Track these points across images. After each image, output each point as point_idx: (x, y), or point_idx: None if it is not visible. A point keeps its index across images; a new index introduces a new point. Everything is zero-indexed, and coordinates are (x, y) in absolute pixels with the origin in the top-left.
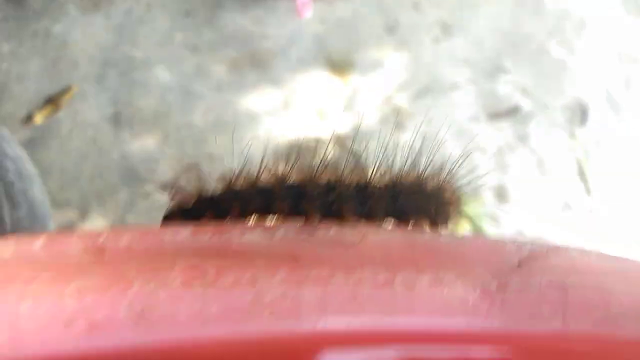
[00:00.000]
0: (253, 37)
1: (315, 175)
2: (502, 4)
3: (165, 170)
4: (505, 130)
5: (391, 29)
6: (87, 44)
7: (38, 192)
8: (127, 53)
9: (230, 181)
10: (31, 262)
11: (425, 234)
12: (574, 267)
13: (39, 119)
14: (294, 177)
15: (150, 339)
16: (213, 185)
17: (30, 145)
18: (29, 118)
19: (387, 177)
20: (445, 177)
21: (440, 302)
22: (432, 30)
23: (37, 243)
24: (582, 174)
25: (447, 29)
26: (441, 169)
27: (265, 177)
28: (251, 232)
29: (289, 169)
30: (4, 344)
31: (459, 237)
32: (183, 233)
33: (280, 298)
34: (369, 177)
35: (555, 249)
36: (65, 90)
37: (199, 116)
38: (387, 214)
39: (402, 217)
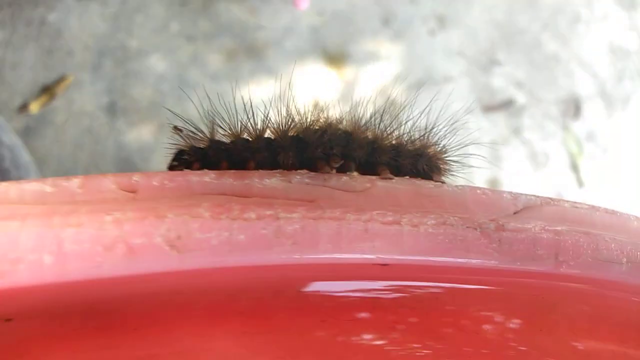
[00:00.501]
0: (249, 28)
1: (318, 129)
2: None
3: (160, 160)
4: (499, 122)
5: (387, 21)
6: (83, 33)
7: None
8: (122, 42)
9: (239, 132)
10: (70, 198)
11: (428, 183)
12: (565, 216)
13: (34, 107)
14: (296, 131)
15: (184, 263)
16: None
17: (26, 134)
18: (24, 107)
19: (380, 135)
20: (432, 138)
21: (443, 239)
22: (428, 22)
23: (74, 182)
24: (574, 166)
25: (442, 21)
26: (428, 131)
27: (270, 130)
28: (270, 177)
29: (291, 123)
30: (49, 267)
31: (460, 187)
32: (208, 175)
33: (300, 230)
34: (366, 134)
35: (548, 200)
36: (60, 79)
37: (194, 106)
38: (384, 167)
39: (396, 171)
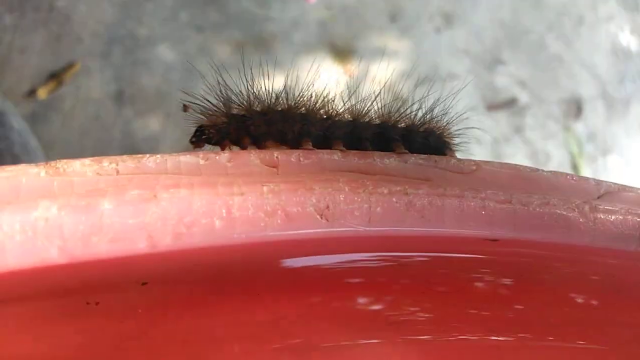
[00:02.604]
0: (258, 20)
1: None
2: None
3: (167, 150)
4: (501, 121)
5: (394, 17)
6: (92, 20)
7: None
8: (131, 30)
9: (267, 104)
10: (223, 171)
11: (525, 167)
12: None
13: (42, 93)
14: (323, 110)
15: (332, 229)
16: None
17: (33, 119)
18: (32, 92)
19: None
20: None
21: (548, 218)
22: (434, 19)
23: (224, 156)
24: (575, 167)
25: (448, 19)
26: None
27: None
28: (388, 157)
29: (315, 102)
30: (218, 230)
31: (552, 172)
32: (336, 154)
33: (428, 205)
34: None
35: (625, 187)
36: (69, 66)
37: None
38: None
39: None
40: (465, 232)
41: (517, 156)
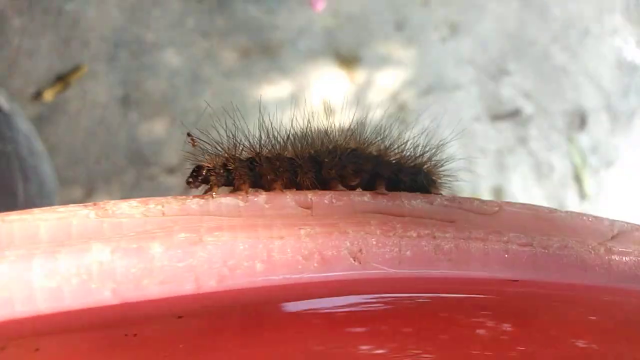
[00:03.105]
0: (264, 27)
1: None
2: (508, 5)
3: (171, 154)
4: (505, 132)
5: (400, 25)
6: (99, 24)
7: (47, 168)
8: (138, 35)
9: (259, 148)
10: (260, 212)
11: (544, 208)
12: None
13: (48, 96)
14: (313, 150)
15: (364, 272)
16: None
17: (39, 121)
18: (38, 95)
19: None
20: (426, 156)
21: (567, 261)
22: (440, 28)
23: (261, 198)
24: (578, 178)
25: (454, 28)
26: (423, 151)
27: (288, 149)
28: (415, 199)
29: (306, 144)
30: (259, 273)
31: (568, 213)
32: (366, 196)
33: (455, 249)
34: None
35: (637, 226)
36: (75, 69)
37: (207, 101)
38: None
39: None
40: (488, 275)
41: (521, 167)
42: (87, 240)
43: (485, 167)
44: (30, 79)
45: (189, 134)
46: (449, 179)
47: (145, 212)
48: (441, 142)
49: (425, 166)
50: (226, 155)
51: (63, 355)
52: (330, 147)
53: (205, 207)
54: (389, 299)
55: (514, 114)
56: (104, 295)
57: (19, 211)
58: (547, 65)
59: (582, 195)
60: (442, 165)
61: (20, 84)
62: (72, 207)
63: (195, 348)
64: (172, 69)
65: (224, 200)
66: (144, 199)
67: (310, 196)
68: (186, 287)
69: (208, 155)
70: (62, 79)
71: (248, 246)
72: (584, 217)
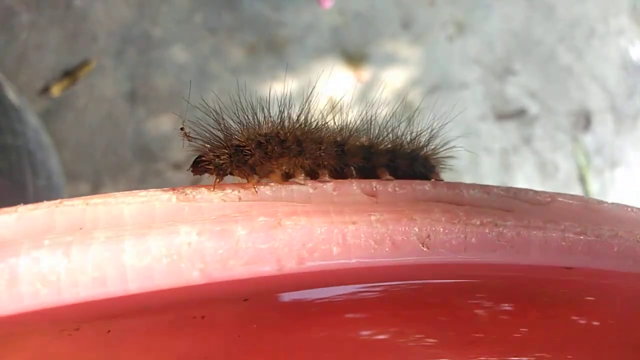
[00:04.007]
0: (271, 23)
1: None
2: (515, 5)
3: (178, 149)
4: (510, 131)
5: (406, 24)
6: (108, 19)
7: (54, 163)
8: (146, 30)
9: (276, 126)
10: (329, 199)
11: (593, 199)
12: None
13: (56, 90)
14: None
15: (432, 257)
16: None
17: (46, 116)
18: (45, 89)
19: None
20: (426, 144)
21: (617, 249)
22: (447, 27)
23: (329, 186)
24: (582, 178)
25: (461, 27)
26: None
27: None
28: (473, 189)
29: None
30: (336, 256)
31: (614, 204)
32: (427, 185)
33: (516, 237)
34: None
35: None
36: (83, 64)
37: (213, 97)
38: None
39: (397, 173)
40: (546, 261)
41: (526, 166)
42: (173, 222)
43: (490, 166)
44: (38, 74)
45: (182, 128)
46: (446, 164)
47: (222, 197)
48: (436, 128)
49: (422, 152)
50: (224, 144)
51: (133, 337)
52: (337, 138)
53: (277, 193)
54: (450, 284)
55: (519, 114)
56: (192, 275)
57: (102, 195)
58: (552, 65)
59: (587, 195)
60: (438, 151)
61: (28, 78)
62: (153, 192)
63: (258, 330)
64: (179, 64)
65: (294, 187)
66: (221, 184)
67: (375, 184)
68: (268, 268)
69: (209, 145)
70: (69, 74)
71: (325, 230)
72: (628, 209)
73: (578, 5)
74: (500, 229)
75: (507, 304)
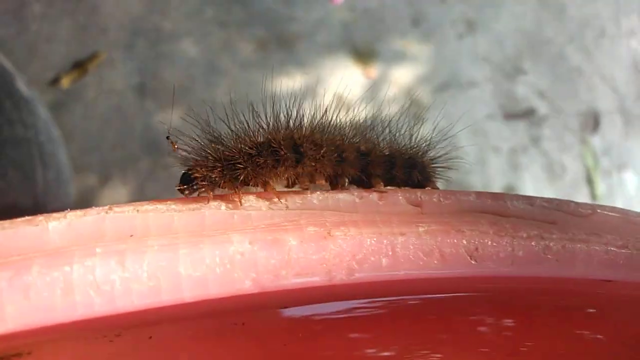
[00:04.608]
0: (281, 19)
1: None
2: (525, 4)
3: (187, 144)
4: (519, 131)
5: (417, 21)
6: (118, 11)
7: (63, 155)
8: (156, 23)
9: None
10: (375, 209)
11: (631, 212)
12: None
13: (65, 82)
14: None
15: (479, 270)
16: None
17: (55, 107)
18: (55, 81)
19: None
20: (424, 151)
21: None
22: (457, 25)
23: (374, 195)
24: (589, 180)
25: (471, 25)
26: (421, 145)
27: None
28: (517, 200)
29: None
30: (384, 267)
31: None
32: (471, 195)
33: (561, 250)
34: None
35: None
36: (93, 56)
37: (223, 92)
38: (383, 177)
39: (394, 180)
40: (588, 274)
41: (533, 166)
42: (224, 231)
43: (498, 166)
44: (48, 65)
45: (168, 137)
46: (443, 173)
47: (270, 205)
48: (434, 137)
49: (420, 161)
50: (212, 157)
51: (174, 342)
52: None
53: (324, 202)
54: (491, 297)
55: (528, 114)
56: (245, 284)
57: (152, 201)
58: (562, 65)
59: (594, 197)
60: (437, 160)
61: (38, 69)
62: (201, 199)
63: (298, 339)
64: (189, 58)
65: (340, 197)
66: (265, 192)
67: (420, 194)
68: (318, 278)
69: (195, 160)
70: (79, 66)
71: (375, 241)
72: None
73: (589, 4)
74: (547, 242)
75: (509, 318)
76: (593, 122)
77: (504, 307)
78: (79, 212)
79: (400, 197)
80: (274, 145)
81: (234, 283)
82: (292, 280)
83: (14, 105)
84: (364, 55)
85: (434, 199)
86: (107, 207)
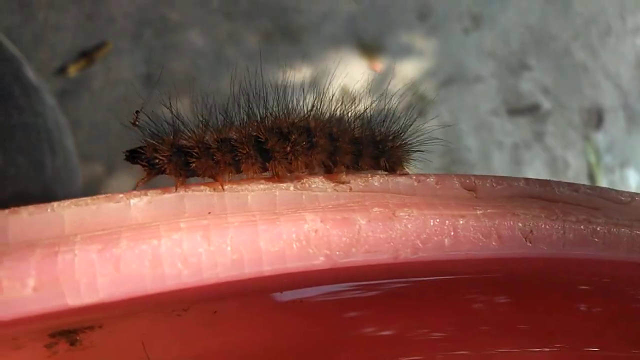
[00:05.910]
0: (288, 10)
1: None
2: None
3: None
4: (522, 126)
5: (423, 15)
6: (125, 1)
7: (70, 144)
8: (163, 13)
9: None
10: (432, 192)
11: None
12: None
13: (72, 71)
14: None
15: (534, 252)
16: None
17: (62, 96)
18: (62, 69)
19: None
20: (395, 134)
21: None
22: (463, 20)
23: (432, 179)
24: (592, 176)
25: (477, 20)
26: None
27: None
28: (562, 186)
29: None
30: (447, 247)
31: None
32: (520, 182)
33: (607, 233)
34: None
35: None
36: (100, 45)
37: (228, 83)
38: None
39: (366, 164)
40: (631, 258)
41: (536, 162)
42: (295, 210)
43: (501, 161)
44: (55, 54)
45: (137, 111)
46: (414, 158)
47: (335, 187)
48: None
49: (388, 145)
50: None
51: (238, 317)
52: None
53: (385, 185)
54: (538, 278)
55: (532, 109)
56: (318, 260)
57: (230, 182)
58: (567, 61)
59: None
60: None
61: (45, 58)
62: (271, 180)
63: (347, 319)
64: (195, 49)
65: (400, 180)
66: (329, 175)
67: (474, 179)
68: (385, 256)
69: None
70: (86, 55)
71: (438, 222)
72: None
73: (595, 1)
74: (594, 226)
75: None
76: (596, 118)
77: (548, 288)
78: (158, 190)
79: (456, 182)
80: (236, 144)
81: (309, 258)
82: (361, 257)
83: (23, 92)
84: (370, 48)
85: (487, 184)
86: (184, 187)
